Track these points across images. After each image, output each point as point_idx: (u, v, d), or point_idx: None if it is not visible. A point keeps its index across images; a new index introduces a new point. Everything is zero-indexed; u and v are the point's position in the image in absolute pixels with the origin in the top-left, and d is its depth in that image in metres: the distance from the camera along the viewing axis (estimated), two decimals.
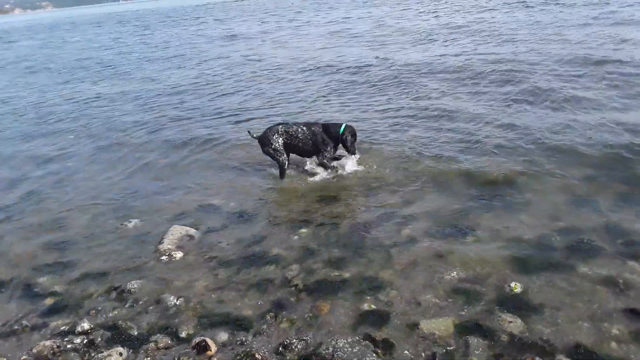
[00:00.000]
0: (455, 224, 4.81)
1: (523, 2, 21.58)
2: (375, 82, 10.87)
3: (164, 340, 3.58)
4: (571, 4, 18.90)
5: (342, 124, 6.27)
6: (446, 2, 26.65)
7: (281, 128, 6.26)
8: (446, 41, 14.87)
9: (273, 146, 6.17)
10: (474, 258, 4.20)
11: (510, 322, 3.41)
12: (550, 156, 5.98)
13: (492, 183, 5.53)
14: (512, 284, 3.77)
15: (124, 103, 11.79)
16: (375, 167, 6.31)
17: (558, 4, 19.52)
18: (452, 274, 4.01)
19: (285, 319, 3.69)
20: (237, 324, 3.70)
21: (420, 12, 23.80)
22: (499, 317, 3.47)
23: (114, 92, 13.24)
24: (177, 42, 23.69)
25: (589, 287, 3.68)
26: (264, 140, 6.24)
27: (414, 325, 3.48)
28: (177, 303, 3.99)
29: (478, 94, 8.97)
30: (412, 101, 9.07)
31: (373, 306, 3.71)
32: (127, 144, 8.50)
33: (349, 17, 25.33)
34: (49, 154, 8.42)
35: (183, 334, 3.63)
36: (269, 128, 6.34)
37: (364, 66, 12.49)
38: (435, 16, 21.45)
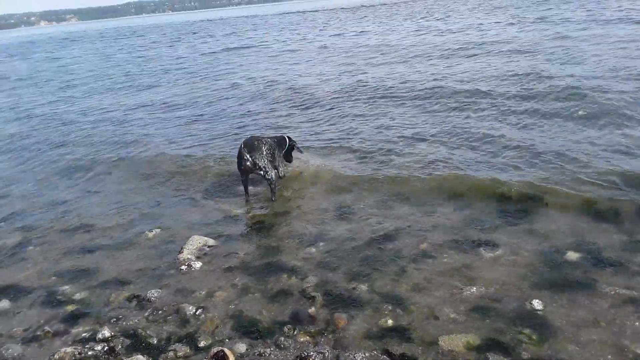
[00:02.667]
0: (474, 239, 4.77)
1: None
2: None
3: (182, 349, 3.60)
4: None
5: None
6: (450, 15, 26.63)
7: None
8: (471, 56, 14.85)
9: None
10: (493, 274, 4.16)
11: (531, 340, 3.36)
12: (572, 172, 5.90)
13: (513, 198, 5.48)
14: (534, 302, 3.72)
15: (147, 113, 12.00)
16: (391, 179, 6.33)
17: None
18: (472, 290, 3.97)
19: (302, 332, 3.69)
20: (256, 335, 3.71)
21: (416, 31, 23.81)
22: (520, 334, 3.42)
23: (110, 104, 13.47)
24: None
25: (612, 306, 3.61)
26: None
27: (433, 341, 3.45)
28: (196, 313, 4.02)
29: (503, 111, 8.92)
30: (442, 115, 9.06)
31: (390, 321, 3.69)
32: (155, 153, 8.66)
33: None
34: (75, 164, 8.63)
35: (201, 344, 3.65)
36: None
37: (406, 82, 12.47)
38: (440, 33, 21.46)
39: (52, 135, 10.88)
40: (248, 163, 5.83)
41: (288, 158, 6.73)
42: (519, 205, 5.32)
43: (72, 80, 19.59)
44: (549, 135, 7.22)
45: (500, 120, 8.22)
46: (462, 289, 3.99)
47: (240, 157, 5.85)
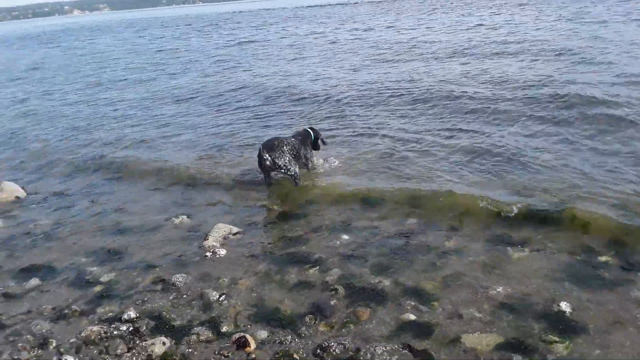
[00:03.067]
0: (503, 237, 4.71)
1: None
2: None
3: (205, 333, 3.65)
4: None
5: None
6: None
7: None
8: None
9: None
10: (521, 273, 4.10)
11: (557, 342, 3.30)
12: (606, 174, 5.76)
13: (544, 198, 5.38)
14: (561, 303, 3.65)
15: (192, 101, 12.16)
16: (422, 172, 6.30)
17: None
18: (498, 289, 3.91)
19: (324, 323, 3.69)
20: (277, 323, 3.73)
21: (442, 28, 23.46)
22: (545, 336, 3.36)
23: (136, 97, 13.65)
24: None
25: None
26: None
27: (456, 339, 3.41)
28: (220, 299, 4.06)
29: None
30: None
31: (413, 316, 3.66)
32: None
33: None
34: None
35: (224, 329, 3.69)
36: None
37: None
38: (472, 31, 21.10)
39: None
40: (267, 162, 6.12)
41: (315, 146, 6.90)
42: (550, 204, 5.21)
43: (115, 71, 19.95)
44: (591, 144, 7.05)
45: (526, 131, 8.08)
46: (487, 288, 3.94)
47: (260, 157, 6.14)
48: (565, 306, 3.62)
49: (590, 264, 4.16)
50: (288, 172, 6.21)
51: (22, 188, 6.90)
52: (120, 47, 29.68)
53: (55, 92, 15.41)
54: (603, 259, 4.22)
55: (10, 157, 8.88)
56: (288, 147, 6.23)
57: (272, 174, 6.46)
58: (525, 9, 29.15)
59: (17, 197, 6.61)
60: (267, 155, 6.07)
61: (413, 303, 3.83)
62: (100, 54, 26.62)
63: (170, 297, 4.15)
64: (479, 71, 12.33)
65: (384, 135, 7.98)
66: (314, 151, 6.90)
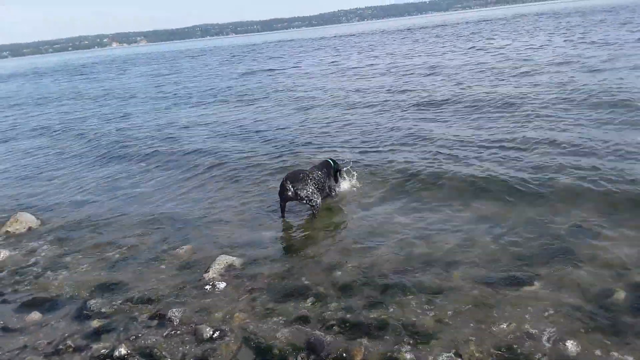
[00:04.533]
0: (511, 271, 4.48)
1: None
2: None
3: None
4: None
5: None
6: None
7: None
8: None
9: None
10: (527, 311, 3.87)
11: None
12: (628, 206, 5.47)
13: (557, 229, 5.14)
14: (568, 344, 3.41)
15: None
16: (428, 201, 6.12)
17: None
18: (502, 326, 3.70)
19: None
20: None
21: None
22: None
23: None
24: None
25: None
26: None
27: None
28: (213, 335, 3.97)
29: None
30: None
31: (409, 355, 3.49)
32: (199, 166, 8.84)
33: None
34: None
35: None
36: None
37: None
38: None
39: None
40: (289, 193, 6.17)
41: (335, 178, 7.00)
42: (564, 236, 4.96)
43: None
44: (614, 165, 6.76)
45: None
46: (490, 326, 3.73)
47: (282, 187, 6.21)
48: (571, 346, 3.38)
49: (602, 301, 3.90)
50: (310, 203, 6.25)
51: (38, 219, 7.01)
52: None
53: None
54: (618, 296, 3.94)
55: (34, 188, 9.09)
56: (312, 181, 6.33)
57: (291, 203, 6.48)
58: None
59: (30, 228, 6.73)
60: (290, 186, 6.13)
61: (412, 341, 3.65)
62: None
63: (164, 333, 4.08)
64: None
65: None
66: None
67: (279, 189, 6.27)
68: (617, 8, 48.83)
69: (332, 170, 6.90)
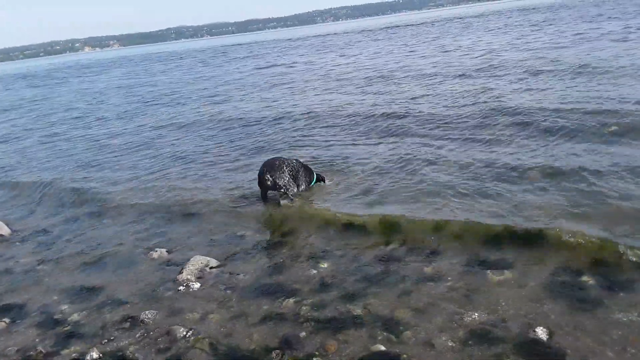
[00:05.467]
0: (484, 261, 4.54)
1: None
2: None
3: None
4: None
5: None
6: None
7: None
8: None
9: None
10: (499, 299, 3.93)
11: None
12: (594, 198, 5.57)
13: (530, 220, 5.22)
14: (537, 329, 3.47)
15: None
16: (406, 197, 6.16)
17: None
18: (474, 316, 3.74)
19: (291, 358, 3.54)
20: (244, 359, 3.58)
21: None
22: None
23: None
24: None
25: (623, 335, 3.32)
26: None
27: None
28: (186, 335, 3.93)
29: None
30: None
31: (382, 347, 3.50)
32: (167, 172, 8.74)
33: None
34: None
35: None
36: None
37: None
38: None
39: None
40: (269, 182, 6.39)
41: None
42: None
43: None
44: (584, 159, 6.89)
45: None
46: (463, 315, 3.77)
47: (261, 176, 6.41)
48: (541, 332, 3.43)
49: (571, 284, 3.98)
50: (287, 192, 6.47)
51: (7, 225, 6.85)
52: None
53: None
54: (586, 279, 4.03)
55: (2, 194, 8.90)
56: (288, 168, 6.51)
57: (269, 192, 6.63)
58: None
59: (1, 235, 6.57)
60: (269, 176, 6.35)
61: (385, 333, 3.67)
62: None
63: (137, 335, 4.02)
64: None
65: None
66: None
67: (257, 178, 6.47)
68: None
69: (313, 175, 6.89)
